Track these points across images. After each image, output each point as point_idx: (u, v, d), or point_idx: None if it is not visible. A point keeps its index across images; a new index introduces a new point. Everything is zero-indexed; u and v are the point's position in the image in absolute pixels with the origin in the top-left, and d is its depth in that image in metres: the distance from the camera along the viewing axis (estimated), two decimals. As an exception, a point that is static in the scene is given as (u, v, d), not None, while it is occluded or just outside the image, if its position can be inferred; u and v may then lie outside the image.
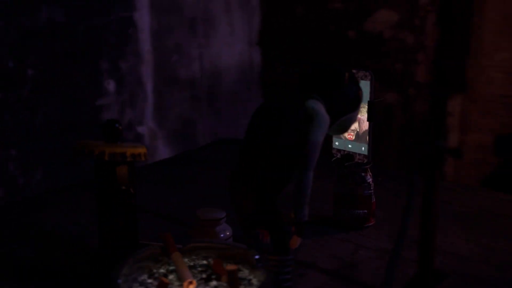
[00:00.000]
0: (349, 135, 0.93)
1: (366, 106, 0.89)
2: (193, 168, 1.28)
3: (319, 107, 0.67)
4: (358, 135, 0.92)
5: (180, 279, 0.71)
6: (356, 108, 0.73)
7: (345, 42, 2.10)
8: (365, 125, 0.91)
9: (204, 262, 0.75)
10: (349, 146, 0.93)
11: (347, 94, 0.72)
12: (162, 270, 0.74)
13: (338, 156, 0.95)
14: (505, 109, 1.81)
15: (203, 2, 2.14)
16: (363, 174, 0.92)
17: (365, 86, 0.88)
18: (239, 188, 0.70)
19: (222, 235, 0.82)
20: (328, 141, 0.93)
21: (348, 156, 0.93)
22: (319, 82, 0.68)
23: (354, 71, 0.90)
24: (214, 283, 0.70)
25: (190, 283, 0.69)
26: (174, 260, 0.73)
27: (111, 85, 1.88)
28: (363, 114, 0.90)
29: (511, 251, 0.90)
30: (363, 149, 0.91)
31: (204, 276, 0.72)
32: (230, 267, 0.67)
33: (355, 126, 0.91)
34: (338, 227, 0.95)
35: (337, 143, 0.95)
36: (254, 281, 0.69)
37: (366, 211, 0.93)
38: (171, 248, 0.74)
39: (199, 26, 2.10)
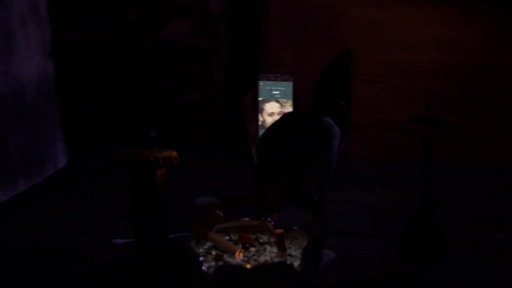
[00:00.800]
0: None
1: (291, 101, 1.15)
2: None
3: (333, 123, 0.91)
4: None
5: (227, 251, 0.88)
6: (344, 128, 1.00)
7: (142, 51, 2.27)
8: (290, 115, 1.16)
9: (227, 237, 0.93)
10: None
11: (345, 117, 0.98)
12: (201, 250, 0.90)
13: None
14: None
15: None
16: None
17: (289, 86, 1.13)
18: (266, 178, 0.89)
19: (221, 214, 0.99)
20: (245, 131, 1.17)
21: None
22: (330, 108, 0.92)
23: (278, 75, 1.15)
24: (266, 246, 0.89)
25: (240, 251, 0.87)
26: (213, 239, 0.90)
27: None
28: (287, 107, 1.15)
29: (401, 198, 1.26)
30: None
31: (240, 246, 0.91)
32: (279, 231, 0.87)
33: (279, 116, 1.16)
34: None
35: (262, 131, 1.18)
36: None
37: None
38: (204, 232, 0.90)
39: (1, 43, 2.04)
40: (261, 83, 1.14)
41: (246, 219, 1.01)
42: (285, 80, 1.11)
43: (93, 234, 1.09)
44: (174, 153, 0.89)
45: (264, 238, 0.93)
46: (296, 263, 0.82)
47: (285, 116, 0.92)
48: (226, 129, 2.24)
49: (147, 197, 0.86)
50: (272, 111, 1.12)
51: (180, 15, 2.23)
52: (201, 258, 0.82)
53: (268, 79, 1.10)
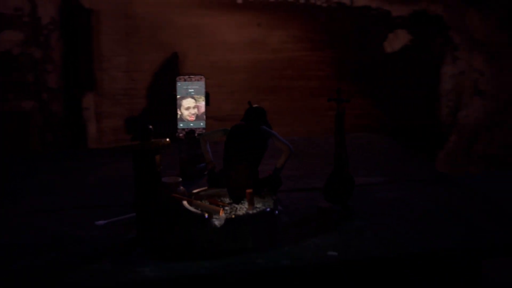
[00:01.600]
0: (191, 117, 1.42)
1: (204, 97, 1.41)
2: None
3: (266, 127, 1.19)
4: (197, 116, 1.43)
5: (212, 211, 1.13)
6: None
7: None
8: (202, 109, 1.43)
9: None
10: (191, 124, 1.42)
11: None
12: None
13: (182, 134, 1.44)
14: (127, 99, 2.42)
15: None
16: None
17: (201, 84, 1.40)
18: (234, 168, 1.16)
19: (180, 188, 1.22)
20: (174, 123, 1.40)
21: (191, 131, 1.43)
22: (261, 118, 1.20)
23: (192, 76, 1.40)
24: (234, 206, 1.17)
25: (222, 210, 1.13)
26: (197, 204, 1.15)
27: None
28: (201, 101, 1.41)
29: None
30: (202, 124, 1.44)
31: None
32: (249, 190, 1.15)
33: (195, 111, 1.42)
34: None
35: (181, 125, 1.41)
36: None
37: (204, 164, 1.45)
38: (189, 200, 1.14)
39: None
40: (178, 83, 1.32)
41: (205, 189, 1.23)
42: (198, 80, 1.31)
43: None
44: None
45: (227, 201, 1.17)
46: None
47: (233, 132, 1.13)
48: (63, 134, 2.31)
49: (149, 177, 1.02)
50: (188, 105, 1.30)
51: (11, 26, 2.26)
52: (206, 216, 1.03)
53: (184, 80, 1.27)
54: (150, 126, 1.08)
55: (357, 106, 2.53)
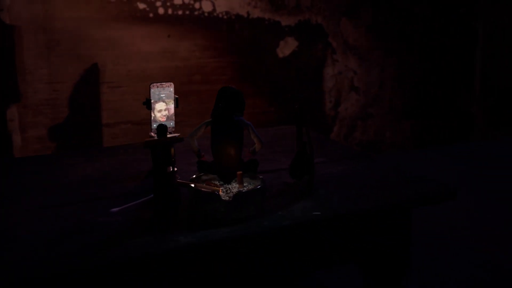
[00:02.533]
0: (162, 118, 1.66)
1: (173, 100, 1.65)
2: None
3: (239, 116, 1.46)
4: (168, 117, 1.67)
5: (214, 191, 1.40)
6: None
7: None
8: (172, 111, 1.68)
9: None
10: (163, 125, 1.67)
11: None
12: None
13: (155, 132, 1.67)
14: (51, 108, 2.53)
15: None
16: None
17: (171, 90, 1.65)
18: (225, 152, 1.42)
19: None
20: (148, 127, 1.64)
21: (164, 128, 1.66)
22: (238, 106, 1.46)
23: (163, 83, 1.64)
24: (226, 186, 1.44)
25: (220, 190, 1.40)
26: (201, 186, 1.41)
27: None
28: (170, 104, 1.65)
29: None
30: (171, 124, 1.69)
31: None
32: (239, 172, 1.43)
33: (165, 112, 1.66)
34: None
35: (154, 125, 1.63)
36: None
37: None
38: (190, 183, 1.40)
39: None
40: (152, 90, 1.50)
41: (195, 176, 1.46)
42: (168, 87, 1.50)
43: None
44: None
45: (217, 183, 1.42)
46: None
47: (215, 124, 1.34)
48: None
49: (167, 165, 1.23)
50: (160, 108, 1.48)
51: None
52: (217, 193, 1.27)
53: (157, 87, 1.44)
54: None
55: (257, 105, 2.86)
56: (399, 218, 1.47)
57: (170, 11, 2.62)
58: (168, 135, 1.35)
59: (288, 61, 2.91)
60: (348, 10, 3.00)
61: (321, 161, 1.72)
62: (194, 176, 1.48)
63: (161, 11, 2.61)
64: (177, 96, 1.69)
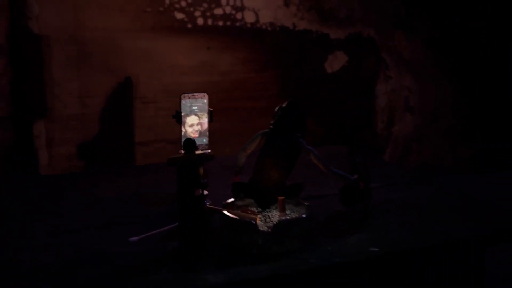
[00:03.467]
0: (194, 134, 1.46)
1: (207, 113, 1.46)
2: None
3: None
4: (200, 133, 1.47)
5: (251, 219, 1.19)
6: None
7: None
8: (205, 126, 1.48)
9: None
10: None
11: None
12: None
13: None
14: (80, 124, 2.38)
15: None
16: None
17: (204, 102, 1.45)
18: (268, 172, 1.22)
19: (207, 203, 1.26)
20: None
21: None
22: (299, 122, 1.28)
23: (196, 94, 1.44)
24: (265, 214, 1.23)
25: (258, 218, 1.19)
26: (235, 213, 1.20)
27: None
28: (204, 118, 1.45)
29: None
30: (204, 140, 1.49)
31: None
32: (280, 197, 1.22)
33: (198, 128, 1.46)
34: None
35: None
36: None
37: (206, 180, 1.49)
38: (226, 210, 1.19)
39: None
40: (183, 101, 1.32)
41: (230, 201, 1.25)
42: (201, 98, 1.32)
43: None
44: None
45: (254, 210, 1.22)
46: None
47: (270, 138, 1.17)
48: (12, 163, 2.22)
49: (194, 188, 1.03)
50: (192, 123, 1.30)
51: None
52: (255, 222, 1.07)
53: (189, 98, 1.27)
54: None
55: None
56: (473, 254, 1.22)
57: (210, 22, 2.46)
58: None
59: (337, 76, 2.71)
60: (403, 22, 2.78)
61: (376, 185, 1.50)
62: (229, 201, 1.27)
63: (200, 21, 2.45)
64: (211, 109, 1.49)
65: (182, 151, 1.27)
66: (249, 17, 2.56)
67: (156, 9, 2.41)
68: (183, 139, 1.48)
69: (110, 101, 2.40)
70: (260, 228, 1.13)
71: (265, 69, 2.62)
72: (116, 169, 1.89)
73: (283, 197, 1.23)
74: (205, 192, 1.22)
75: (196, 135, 1.48)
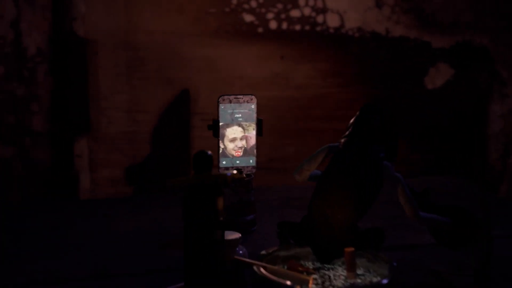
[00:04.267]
0: (237, 152, 1.07)
1: (254, 124, 1.06)
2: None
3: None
4: (246, 151, 1.08)
5: (298, 282, 0.77)
6: None
7: None
8: (253, 141, 1.08)
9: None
10: (237, 162, 1.07)
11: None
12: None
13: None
14: (128, 144, 2.06)
15: None
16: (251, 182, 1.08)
17: (252, 108, 1.06)
18: (331, 206, 0.81)
19: (241, 252, 0.86)
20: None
21: (238, 170, 1.08)
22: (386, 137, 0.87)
23: (240, 96, 1.06)
24: (323, 271, 0.80)
25: (312, 279, 0.78)
26: (276, 271, 0.78)
27: None
28: (250, 131, 1.06)
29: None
30: (251, 161, 1.08)
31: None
32: (349, 249, 0.79)
33: (242, 143, 1.07)
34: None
35: (224, 162, 1.06)
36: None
37: (253, 216, 1.09)
38: (262, 264, 0.78)
39: None
40: (221, 106, 1.01)
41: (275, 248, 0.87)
42: (247, 102, 1.00)
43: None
44: (239, 175, 0.73)
45: (309, 265, 0.82)
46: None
47: (341, 155, 0.81)
48: (50, 186, 1.96)
49: (209, 227, 0.66)
50: (234, 136, 0.98)
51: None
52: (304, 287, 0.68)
53: (230, 102, 0.97)
54: (210, 152, 0.73)
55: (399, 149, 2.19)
56: None
57: (284, 26, 2.08)
58: (220, 172, 0.74)
59: (439, 94, 2.25)
60: (524, 29, 2.28)
61: (497, 234, 1.04)
62: (271, 250, 0.85)
63: (273, 25, 2.08)
64: (261, 118, 1.09)
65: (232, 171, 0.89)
66: (333, 21, 2.16)
67: (221, 10, 2.06)
68: (221, 159, 1.09)
69: (165, 117, 2.06)
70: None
71: (350, 84, 2.20)
72: (134, 198, 1.54)
73: (352, 249, 0.79)
74: (238, 235, 0.81)
75: (240, 153, 1.08)
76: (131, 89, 2.04)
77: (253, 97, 1.07)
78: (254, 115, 1.06)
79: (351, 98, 2.21)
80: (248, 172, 1.06)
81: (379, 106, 0.87)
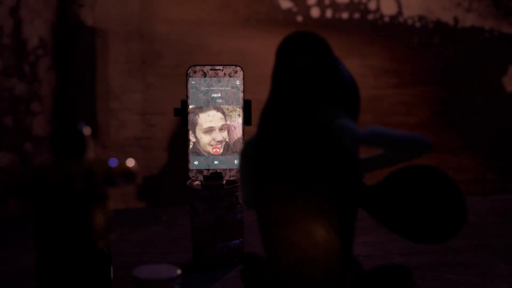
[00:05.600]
0: (215, 148, 0.75)
1: (239, 109, 0.75)
2: None
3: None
4: (228, 146, 0.76)
5: None
6: None
7: None
8: (238, 133, 0.76)
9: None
10: (215, 162, 0.76)
11: None
12: None
13: (199, 179, 0.77)
14: (142, 151, 1.78)
15: None
16: (236, 194, 0.76)
17: (237, 86, 0.75)
18: (303, 225, 0.48)
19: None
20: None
21: (215, 175, 0.76)
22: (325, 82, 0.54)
23: (219, 67, 0.75)
24: None
25: None
26: None
27: None
28: (234, 117, 0.75)
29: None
30: (235, 162, 0.76)
31: None
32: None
33: (222, 136, 0.75)
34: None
35: (196, 163, 0.75)
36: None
37: (238, 241, 0.77)
38: None
39: None
40: (191, 81, 0.74)
41: None
42: (229, 76, 0.73)
43: None
44: (132, 166, 0.45)
45: None
46: None
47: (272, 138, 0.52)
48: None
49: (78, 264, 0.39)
50: (210, 125, 0.71)
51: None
52: None
53: (204, 75, 0.72)
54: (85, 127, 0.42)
55: (467, 167, 1.82)
56: None
57: (329, 14, 1.76)
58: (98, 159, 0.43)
59: (519, 100, 1.86)
60: None
61: None
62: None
63: (315, 13, 1.76)
64: (249, 99, 0.77)
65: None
66: (388, 8, 1.81)
67: (253, -5, 1.77)
68: (192, 157, 0.77)
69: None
70: None
71: (409, 84, 1.84)
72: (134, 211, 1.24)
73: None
74: (178, 271, 0.49)
75: (219, 150, 0.76)
76: (146, 87, 1.76)
77: (238, 68, 0.75)
78: (240, 95, 0.74)
79: (409, 101, 1.85)
80: (232, 178, 0.74)
81: (311, 36, 0.53)
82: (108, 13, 1.73)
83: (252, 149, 0.51)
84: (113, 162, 0.44)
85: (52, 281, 0.42)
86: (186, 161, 0.80)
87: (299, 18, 1.79)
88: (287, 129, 0.48)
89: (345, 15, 1.80)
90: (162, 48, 1.76)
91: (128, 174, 0.44)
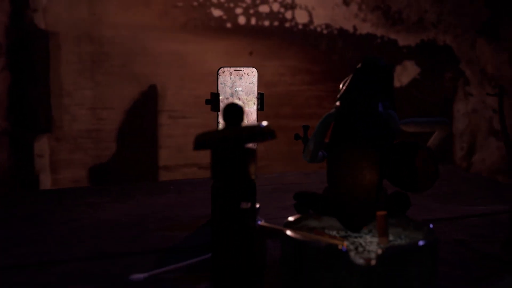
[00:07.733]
0: None
1: (255, 98, 1.02)
2: None
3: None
4: None
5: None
6: None
7: None
8: (253, 116, 1.04)
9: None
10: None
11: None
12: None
13: None
14: (92, 143, 1.97)
15: None
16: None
17: (253, 82, 1.02)
18: (352, 173, 0.77)
19: (259, 222, 0.81)
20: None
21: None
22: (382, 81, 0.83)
23: (241, 68, 1.02)
24: (350, 239, 0.77)
25: (345, 242, 0.74)
26: (306, 236, 0.74)
27: None
28: (251, 106, 1.02)
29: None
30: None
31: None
32: (381, 212, 0.76)
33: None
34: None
35: None
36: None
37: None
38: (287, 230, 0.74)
39: None
40: (221, 78, 0.96)
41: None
42: (248, 75, 0.96)
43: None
44: (268, 128, 0.68)
45: (334, 234, 0.78)
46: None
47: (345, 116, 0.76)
48: (8, 187, 1.83)
49: (236, 191, 0.60)
50: None
51: None
52: (342, 248, 0.63)
53: (230, 74, 0.92)
54: (239, 104, 0.69)
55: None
56: None
57: (253, 21, 2.06)
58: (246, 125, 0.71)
59: (406, 92, 2.27)
60: (486, 28, 2.33)
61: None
62: (292, 218, 0.81)
63: (242, 20, 2.05)
64: (262, 92, 1.05)
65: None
66: (301, 17, 2.15)
67: (189, 4, 2.02)
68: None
69: (131, 115, 1.99)
70: (353, 260, 0.66)
71: (320, 81, 2.19)
72: (124, 187, 1.46)
73: (384, 212, 0.76)
74: (257, 205, 0.77)
75: (240, 130, 1.03)
76: (95, 85, 1.96)
77: (254, 69, 1.03)
78: (255, 89, 1.02)
79: (320, 95, 2.20)
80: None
81: (379, 62, 0.82)
82: (60, 18, 1.90)
83: (331, 118, 0.79)
84: (262, 124, 0.70)
85: (224, 202, 0.67)
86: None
87: (229, 25, 2.07)
88: (358, 111, 0.77)
89: (266, 23, 2.12)
90: (110, 50, 1.96)
91: (270, 131, 0.70)
